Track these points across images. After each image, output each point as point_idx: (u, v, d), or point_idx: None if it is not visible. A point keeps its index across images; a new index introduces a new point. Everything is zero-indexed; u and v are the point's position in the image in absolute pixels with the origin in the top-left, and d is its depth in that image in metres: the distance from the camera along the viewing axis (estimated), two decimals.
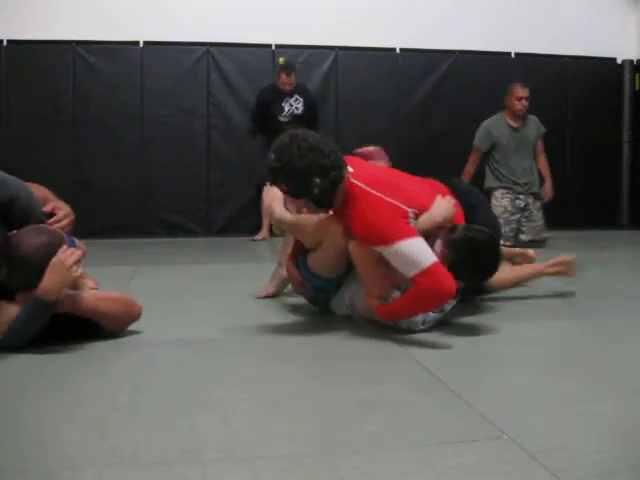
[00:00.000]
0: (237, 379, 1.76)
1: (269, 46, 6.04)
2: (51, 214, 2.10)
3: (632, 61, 6.67)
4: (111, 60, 5.81)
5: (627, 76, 6.67)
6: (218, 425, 1.41)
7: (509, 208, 4.81)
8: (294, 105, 5.59)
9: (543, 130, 5.11)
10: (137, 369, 1.87)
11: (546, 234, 4.91)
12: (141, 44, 5.89)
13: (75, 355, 1.96)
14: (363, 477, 1.17)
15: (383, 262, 2.07)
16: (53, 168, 5.57)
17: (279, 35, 5.93)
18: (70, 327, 2.05)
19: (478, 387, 1.65)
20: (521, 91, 4.87)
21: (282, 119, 5.56)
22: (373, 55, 6.19)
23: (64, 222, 2.12)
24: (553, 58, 6.48)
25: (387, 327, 2.16)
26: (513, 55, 6.48)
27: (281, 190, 2.13)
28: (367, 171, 2.23)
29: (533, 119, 5.08)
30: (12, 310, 1.91)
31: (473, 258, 2.11)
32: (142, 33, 5.82)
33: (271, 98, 5.56)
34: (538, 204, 4.94)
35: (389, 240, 2.00)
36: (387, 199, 2.08)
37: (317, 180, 2.02)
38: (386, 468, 1.20)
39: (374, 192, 2.10)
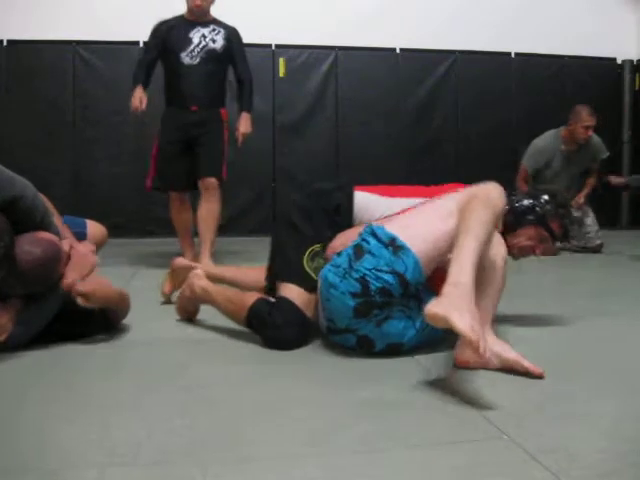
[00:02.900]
0: (237, 379, 1.76)
1: (269, 46, 6.05)
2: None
3: (632, 61, 6.68)
4: (111, 60, 5.82)
5: (627, 76, 6.68)
6: (218, 425, 1.41)
7: None
8: (209, 37, 3.71)
9: (602, 156, 4.82)
10: (137, 369, 1.87)
11: (599, 241, 4.71)
12: (141, 44, 5.89)
13: (75, 355, 1.96)
14: (363, 477, 1.17)
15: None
16: (53, 168, 5.59)
17: (279, 35, 5.94)
18: (75, 321, 2.07)
19: (478, 387, 1.65)
20: (589, 120, 4.57)
21: (187, 60, 3.67)
22: (373, 55, 6.20)
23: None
24: (553, 58, 6.49)
25: None
26: (513, 55, 6.49)
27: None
28: None
29: (595, 143, 4.76)
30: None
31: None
32: (142, 33, 5.82)
33: (172, 27, 3.73)
34: (587, 211, 4.80)
35: None
36: None
37: None
38: (386, 468, 1.20)
39: None
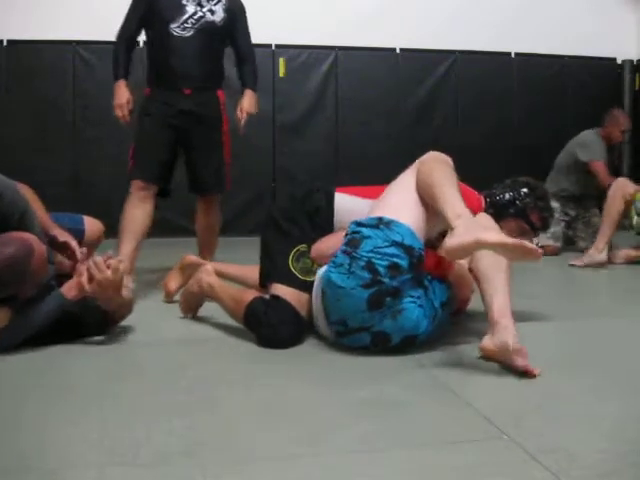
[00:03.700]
0: (237, 379, 1.76)
1: (269, 46, 6.04)
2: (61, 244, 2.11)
3: (632, 61, 6.67)
4: (111, 60, 5.81)
5: (627, 76, 6.67)
6: (217, 425, 1.41)
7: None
8: (207, 6, 3.02)
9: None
10: (137, 369, 1.87)
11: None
12: (141, 44, 5.87)
13: (75, 355, 1.96)
14: (362, 477, 1.17)
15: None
16: (53, 168, 5.58)
17: (279, 35, 5.94)
18: (74, 321, 2.06)
19: (478, 387, 1.65)
20: (626, 124, 4.69)
21: (177, 31, 2.98)
22: (373, 55, 6.19)
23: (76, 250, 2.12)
24: (553, 58, 6.48)
25: None
26: (513, 55, 6.48)
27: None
28: None
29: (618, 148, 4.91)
30: None
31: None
32: (142, 33, 5.83)
33: None
34: (595, 212, 4.80)
35: None
36: None
37: None
38: (385, 468, 1.20)
39: None
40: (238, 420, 1.44)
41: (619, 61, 6.68)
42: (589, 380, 1.71)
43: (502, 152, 6.29)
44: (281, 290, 2.07)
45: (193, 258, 2.71)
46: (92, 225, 2.83)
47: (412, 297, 1.86)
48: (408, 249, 1.82)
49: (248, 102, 3.14)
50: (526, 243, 1.55)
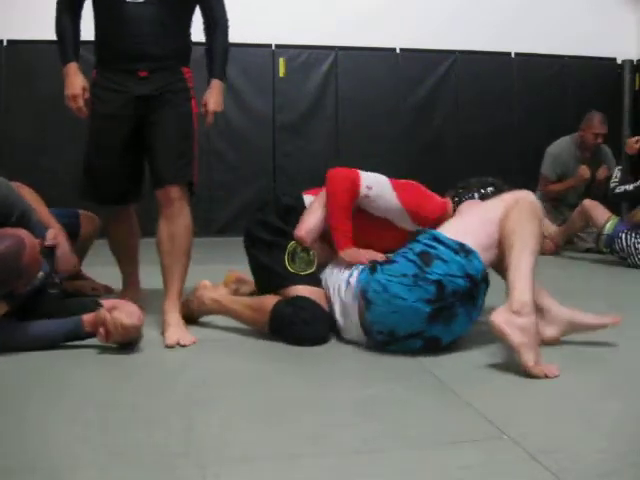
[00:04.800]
0: (237, 379, 1.76)
1: (269, 46, 6.05)
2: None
3: (632, 61, 6.67)
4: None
5: (627, 76, 6.66)
6: (218, 425, 1.41)
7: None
8: None
9: (611, 166, 4.77)
10: (137, 369, 1.87)
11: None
12: None
13: (76, 356, 1.96)
14: (363, 477, 1.17)
15: None
16: (53, 168, 5.58)
17: (279, 35, 5.94)
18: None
19: (478, 387, 1.65)
20: (600, 128, 4.69)
21: None
22: (373, 55, 6.19)
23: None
24: (553, 58, 6.48)
25: None
26: (513, 55, 6.48)
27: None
28: None
29: (605, 152, 4.89)
30: None
31: None
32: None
33: None
34: None
35: None
36: None
37: None
38: (385, 468, 1.20)
39: None
40: (238, 420, 1.44)
41: (619, 61, 6.68)
42: (589, 380, 1.71)
43: (502, 152, 6.29)
44: (301, 291, 2.08)
45: (235, 274, 2.55)
46: (88, 220, 2.83)
47: (461, 305, 1.90)
48: (476, 282, 1.89)
49: (215, 99, 2.42)
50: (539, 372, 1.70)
